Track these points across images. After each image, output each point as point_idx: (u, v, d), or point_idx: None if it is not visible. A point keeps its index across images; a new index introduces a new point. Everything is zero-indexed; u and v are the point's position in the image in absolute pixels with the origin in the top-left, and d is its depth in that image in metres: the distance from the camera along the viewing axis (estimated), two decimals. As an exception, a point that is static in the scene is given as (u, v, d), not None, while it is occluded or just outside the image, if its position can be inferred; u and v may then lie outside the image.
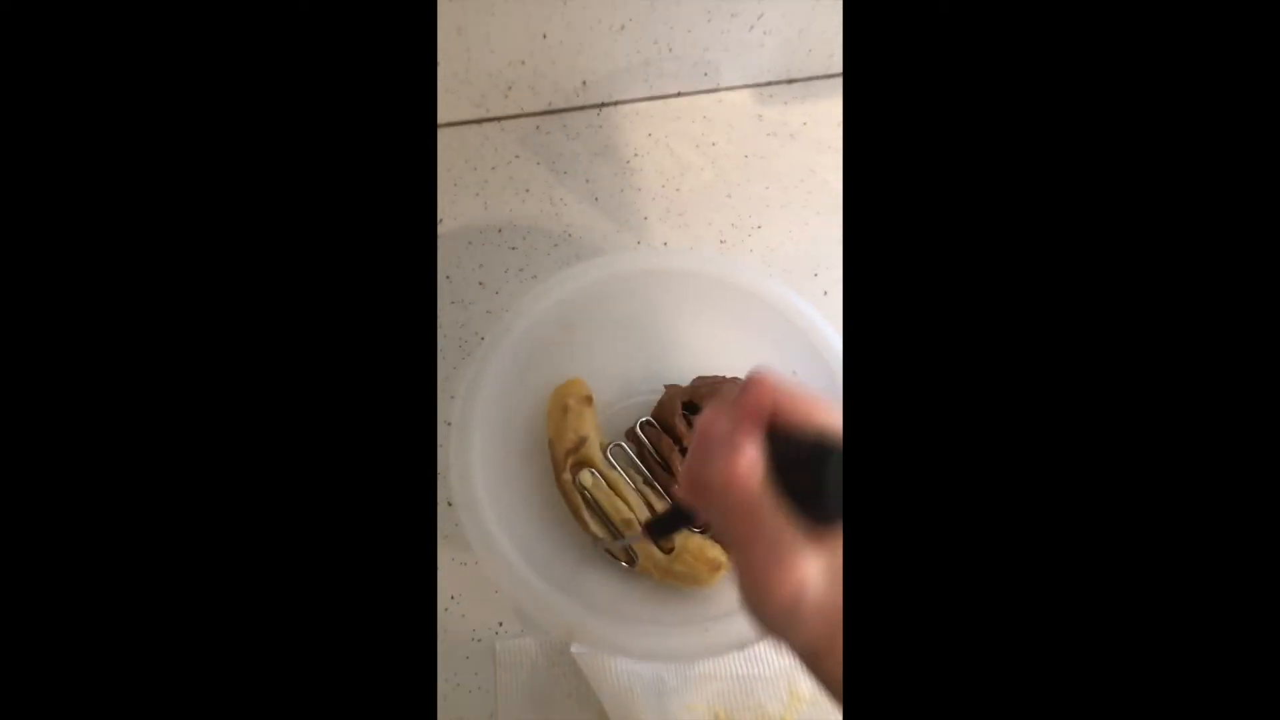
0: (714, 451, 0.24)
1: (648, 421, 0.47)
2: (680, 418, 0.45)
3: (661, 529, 0.35)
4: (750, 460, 0.23)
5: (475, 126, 0.62)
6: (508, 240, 0.57)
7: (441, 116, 0.61)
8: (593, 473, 0.45)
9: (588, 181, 0.60)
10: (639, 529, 0.39)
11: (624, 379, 0.49)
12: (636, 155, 0.61)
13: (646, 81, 0.62)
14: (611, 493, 0.44)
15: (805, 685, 0.43)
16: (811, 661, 0.24)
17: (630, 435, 0.47)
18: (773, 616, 0.23)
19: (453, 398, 0.42)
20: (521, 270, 0.56)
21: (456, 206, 0.58)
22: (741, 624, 0.37)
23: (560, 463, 0.45)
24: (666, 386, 0.48)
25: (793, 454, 0.24)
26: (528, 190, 0.59)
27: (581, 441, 0.45)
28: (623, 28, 0.57)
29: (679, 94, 0.64)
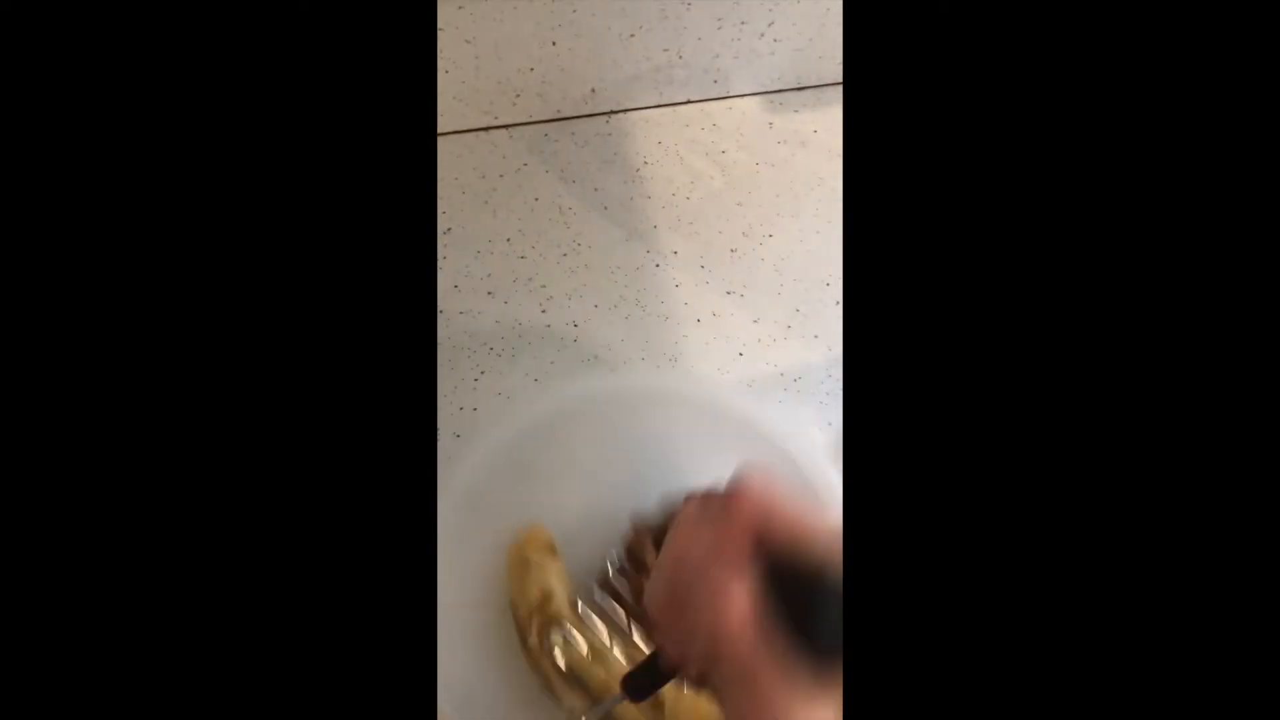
0: (695, 586, 0.20)
1: (621, 568, 0.42)
2: (654, 558, 0.39)
3: (641, 686, 0.29)
4: (742, 609, 0.19)
5: (483, 134, 0.61)
6: (516, 249, 0.57)
7: (449, 124, 0.60)
8: (565, 635, 0.40)
9: (597, 190, 0.59)
10: (617, 690, 0.34)
11: (591, 511, 0.44)
12: (646, 163, 0.61)
13: (656, 89, 0.62)
14: (588, 656, 0.39)
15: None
16: None
17: (603, 583, 0.42)
18: None
19: (457, 435, 0.40)
20: (530, 280, 0.55)
21: (465, 214, 0.58)
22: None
23: (525, 626, 0.41)
24: (633, 523, 0.42)
25: (790, 589, 0.20)
26: (536, 199, 0.59)
27: (547, 597, 0.41)
28: (632, 35, 0.56)
29: (689, 101, 0.63)
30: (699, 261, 0.57)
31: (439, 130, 0.61)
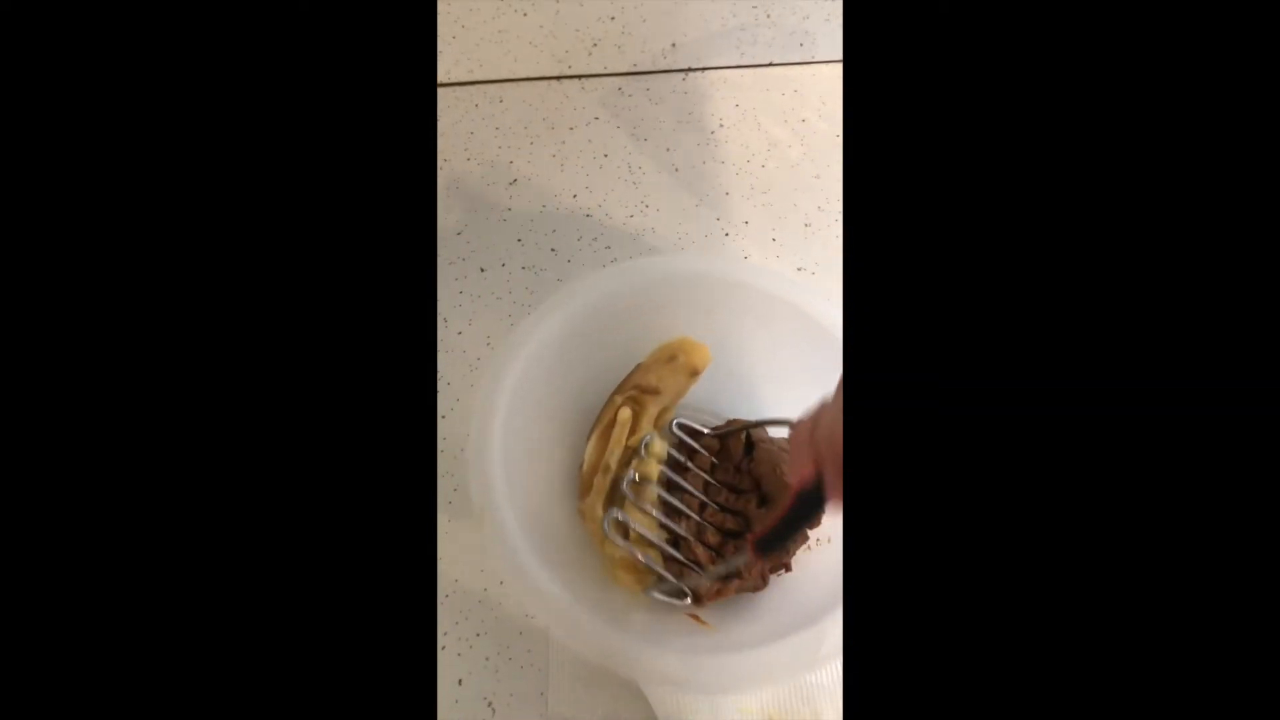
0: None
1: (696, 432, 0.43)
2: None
3: (775, 540, 0.32)
4: None
5: (555, 83, 0.59)
6: (583, 206, 0.55)
7: (522, 70, 0.58)
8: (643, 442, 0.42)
9: (668, 150, 0.57)
10: (745, 552, 0.36)
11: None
12: (722, 126, 0.58)
13: (738, 49, 0.59)
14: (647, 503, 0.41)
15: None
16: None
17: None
18: None
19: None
20: (595, 240, 0.54)
21: (532, 167, 0.56)
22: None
23: (611, 407, 0.42)
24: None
25: None
26: (605, 155, 0.57)
27: (654, 393, 0.43)
28: (722, -11, 0.54)
29: (771, 64, 0.60)
30: (770, 234, 0.54)
31: (510, 76, 0.59)
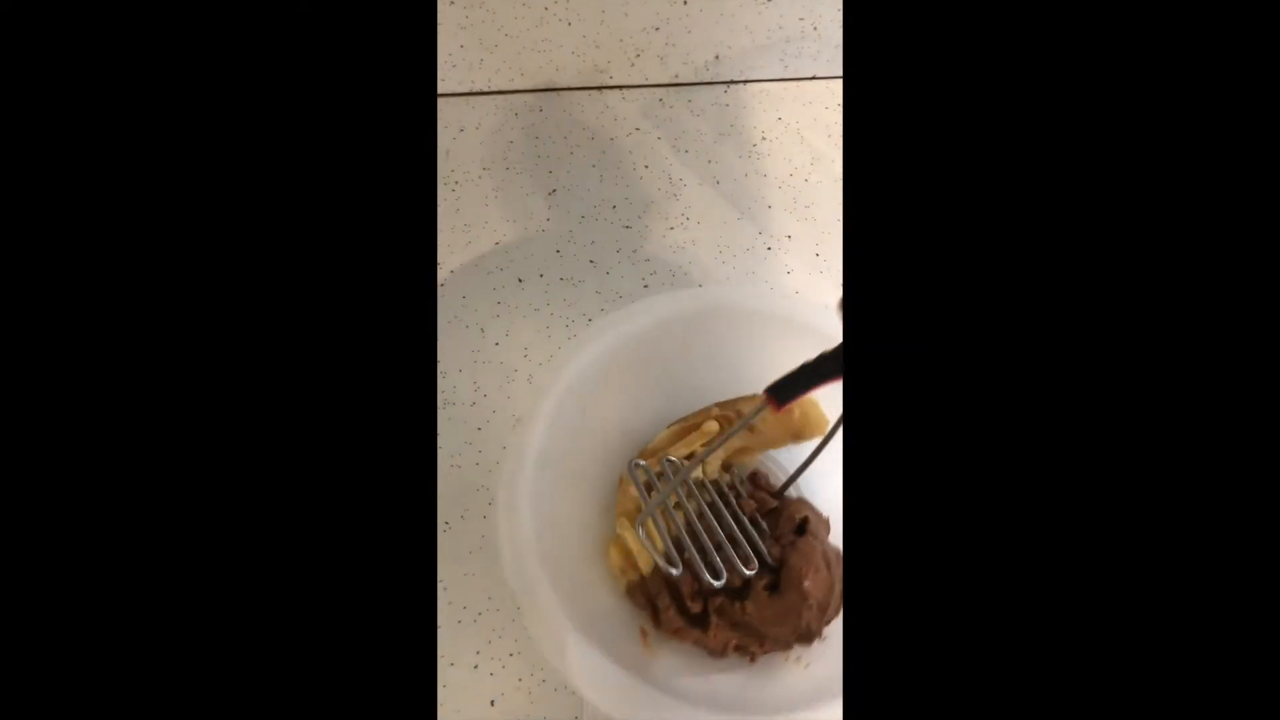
0: None
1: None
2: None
3: (790, 388, 0.28)
4: None
5: (595, 93, 0.59)
6: (622, 218, 0.54)
7: (562, 80, 0.58)
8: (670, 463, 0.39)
9: (710, 162, 0.56)
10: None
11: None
12: (764, 139, 0.57)
13: (783, 62, 0.58)
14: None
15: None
16: None
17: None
18: None
19: (517, 420, 0.38)
20: (635, 252, 0.53)
21: (571, 177, 0.55)
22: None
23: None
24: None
25: None
26: (646, 166, 0.56)
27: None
28: (770, 0, 0.53)
29: (814, 78, 0.59)
30: (814, 248, 0.53)
31: (551, 86, 0.58)
